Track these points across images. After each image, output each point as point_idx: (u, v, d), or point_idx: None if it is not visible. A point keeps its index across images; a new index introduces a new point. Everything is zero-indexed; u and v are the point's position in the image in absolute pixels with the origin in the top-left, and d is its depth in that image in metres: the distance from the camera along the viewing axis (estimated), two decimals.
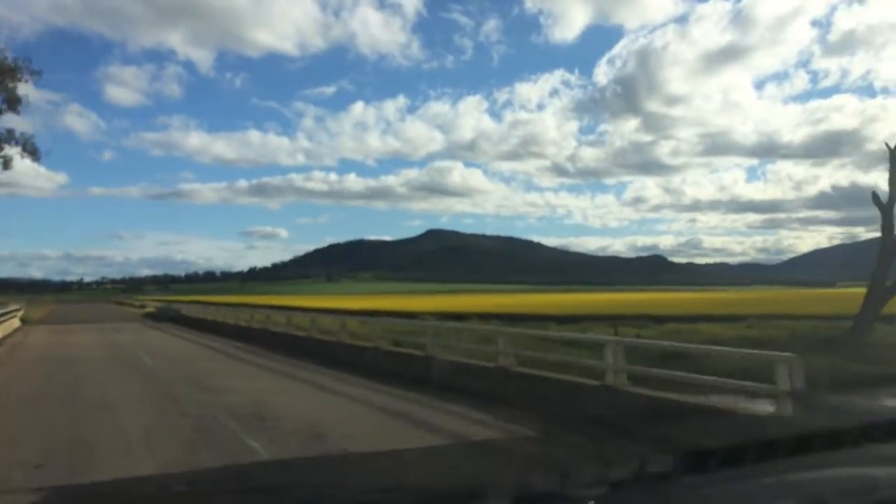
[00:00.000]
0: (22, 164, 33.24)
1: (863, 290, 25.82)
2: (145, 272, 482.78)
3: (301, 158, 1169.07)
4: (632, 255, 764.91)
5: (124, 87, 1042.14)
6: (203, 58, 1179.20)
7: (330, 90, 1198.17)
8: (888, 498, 1.67)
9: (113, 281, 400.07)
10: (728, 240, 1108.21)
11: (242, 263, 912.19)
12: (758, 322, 30.10)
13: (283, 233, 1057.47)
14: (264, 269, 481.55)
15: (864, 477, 1.89)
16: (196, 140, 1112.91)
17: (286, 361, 19.06)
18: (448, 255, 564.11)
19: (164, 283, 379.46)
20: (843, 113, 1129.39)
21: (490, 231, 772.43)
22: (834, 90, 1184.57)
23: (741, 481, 1.94)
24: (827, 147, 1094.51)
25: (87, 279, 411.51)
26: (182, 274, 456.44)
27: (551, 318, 36.53)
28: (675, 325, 29.88)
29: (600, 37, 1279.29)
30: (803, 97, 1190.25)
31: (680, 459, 1.98)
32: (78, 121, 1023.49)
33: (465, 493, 1.99)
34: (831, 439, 2.31)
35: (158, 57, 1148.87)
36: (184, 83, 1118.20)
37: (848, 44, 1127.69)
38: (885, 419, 3.41)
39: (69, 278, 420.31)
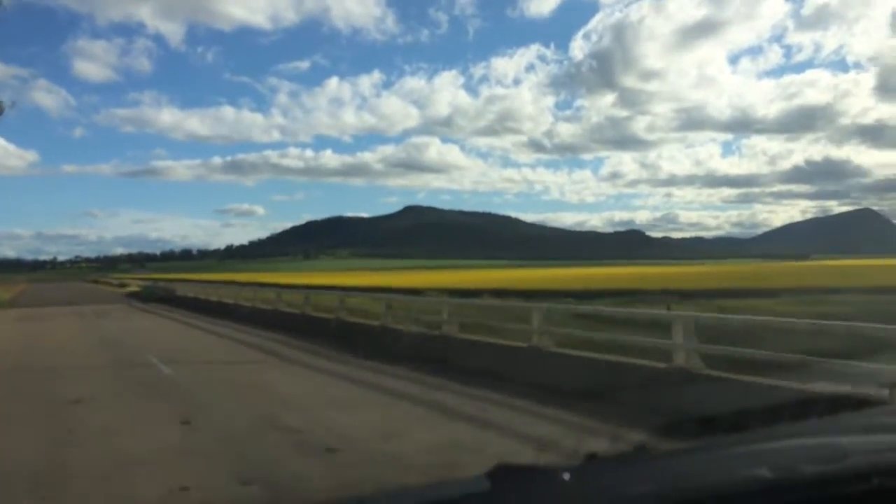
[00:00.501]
0: None
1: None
2: (119, 251, 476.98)
3: (276, 135, 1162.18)
4: (609, 229, 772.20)
5: (93, 61, 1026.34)
6: (173, 31, 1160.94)
7: (304, 65, 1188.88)
8: (857, 465, 1.70)
9: (87, 260, 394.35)
10: (703, 214, 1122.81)
11: (219, 241, 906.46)
12: (797, 297, 29.31)
13: (260, 210, 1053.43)
14: (241, 247, 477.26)
15: (832, 445, 1.90)
16: (168, 116, 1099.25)
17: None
18: (426, 232, 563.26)
19: (140, 261, 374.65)
20: (816, 88, 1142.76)
21: (467, 207, 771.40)
22: (807, 65, 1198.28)
23: (713, 451, 1.97)
24: (800, 122, 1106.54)
25: (60, 258, 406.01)
26: (157, 252, 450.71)
27: (565, 294, 35.69)
28: (722, 301, 27.58)
29: (576, 10, 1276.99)
30: (777, 72, 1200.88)
31: (653, 431, 2.22)
32: (47, 97, 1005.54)
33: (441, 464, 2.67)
34: None
35: (127, 30, 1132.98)
36: (154, 57, 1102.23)
37: (821, 18, 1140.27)
38: None
39: (42, 257, 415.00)
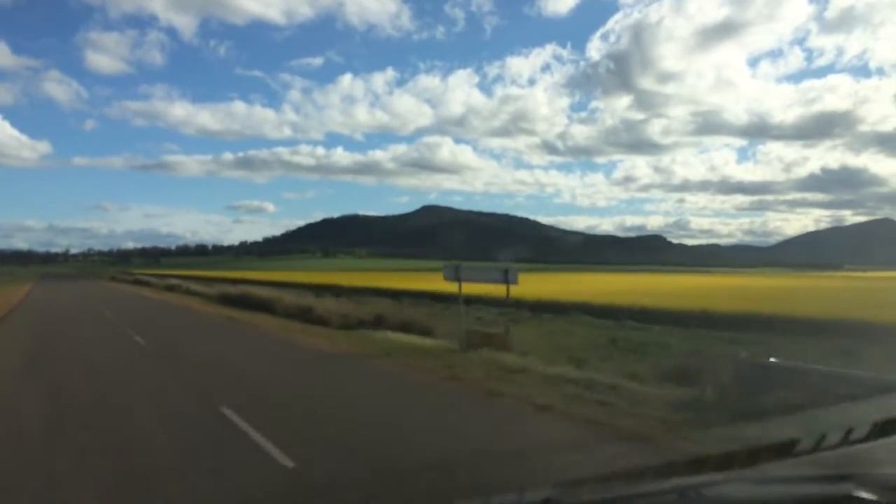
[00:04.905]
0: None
1: None
2: (130, 245, 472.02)
3: (287, 131, 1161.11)
4: (620, 234, 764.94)
5: (105, 53, 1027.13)
6: (186, 24, 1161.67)
7: (317, 61, 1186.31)
8: None
9: (100, 253, 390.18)
10: (715, 221, 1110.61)
11: (230, 237, 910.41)
12: None
13: (270, 207, 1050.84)
14: (256, 244, 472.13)
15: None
16: (180, 110, 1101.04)
17: None
18: (444, 232, 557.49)
19: (154, 255, 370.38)
20: (836, 93, 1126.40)
21: (478, 208, 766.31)
22: (828, 69, 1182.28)
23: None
24: (818, 128, 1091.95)
25: (72, 251, 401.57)
26: (169, 247, 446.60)
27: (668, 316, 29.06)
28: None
29: (594, 10, 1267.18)
30: (797, 76, 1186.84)
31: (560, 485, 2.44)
32: (58, 88, 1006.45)
33: None
34: None
35: (140, 23, 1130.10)
36: (166, 51, 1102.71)
37: (845, 21, 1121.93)
38: None
39: (54, 250, 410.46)
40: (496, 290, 47.16)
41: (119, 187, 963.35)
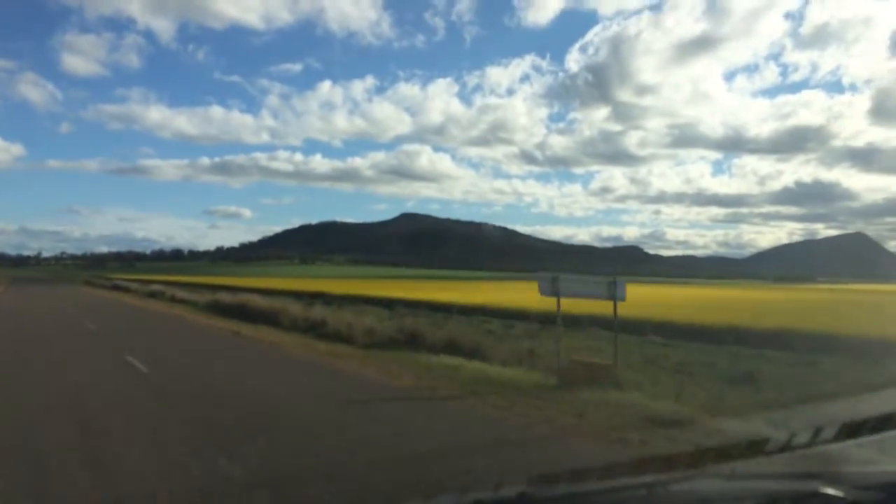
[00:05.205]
0: None
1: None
2: (104, 249, 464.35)
3: (265, 137, 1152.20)
4: (597, 244, 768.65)
5: (81, 56, 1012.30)
6: (164, 28, 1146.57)
7: (296, 67, 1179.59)
8: None
9: (73, 257, 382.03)
10: (690, 232, 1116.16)
11: (206, 243, 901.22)
12: None
13: (247, 213, 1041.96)
14: (232, 249, 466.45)
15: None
16: (156, 114, 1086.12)
17: None
18: (422, 240, 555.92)
19: (129, 260, 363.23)
20: (810, 109, 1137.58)
21: (456, 217, 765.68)
22: (803, 85, 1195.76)
23: (587, 499, 2.02)
24: (792, 142, 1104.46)
25: (45, 254, 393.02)
26: (144, 251, 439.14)
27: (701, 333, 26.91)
28: None
29: (574, 22, 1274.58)
30: (772, 91, 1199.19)
31: (534, 480, 2.43)
32: (34, 90, 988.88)
33: None
34: None
35: (117, 25, 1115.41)
36: (144, 54, 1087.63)
37: (820, 37, 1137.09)
38: None
39: (26, 253, 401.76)
40: (509, 299, 45.24)
41: (93, 191, 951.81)
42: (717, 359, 20.12)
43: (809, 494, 2.01)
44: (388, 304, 44.20)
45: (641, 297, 57.68)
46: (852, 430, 3.27)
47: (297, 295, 54.94)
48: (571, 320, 30.89)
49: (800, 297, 68.10)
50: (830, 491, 1.97)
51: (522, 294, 60.70)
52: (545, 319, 31.38)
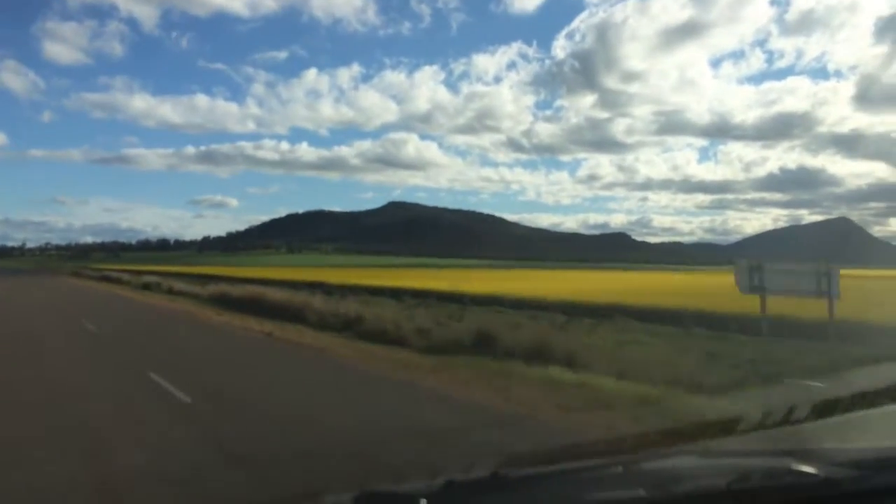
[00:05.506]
0: None
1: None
2: (89, 239, 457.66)
3: (251, 126, 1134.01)
4: (584, 231, 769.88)
5: (64, 43, 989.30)
6: (147, 15, 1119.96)
7: (281, 55, 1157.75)
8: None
9: (58, 247, 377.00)
10: (676, 219, 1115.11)
11: (192, 232, 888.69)
12: None
13: (233, 202, 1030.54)
14: (219, 239, 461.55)
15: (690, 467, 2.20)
16: (140, 103, 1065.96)
17: None
18: (411, 228, 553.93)
19: (114, 250, 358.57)
20: (795, 95, 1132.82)
21: (443, 205, 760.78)
22: (788, 71, 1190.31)
23: (561, 478, 2.06)
24: (778, 129, 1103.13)
25: (29, 245, 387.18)
26: (129, 241, 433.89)
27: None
28: None
29: (560, 9, 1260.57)
30: (758, 78, 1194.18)
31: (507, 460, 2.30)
32: (15, 78, 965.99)
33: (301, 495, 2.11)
34: None
35: (100, 13, 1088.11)
36: (127, 42, 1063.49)
37: (805, 24, 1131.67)
38: None
39: (10, 244, 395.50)
40: (518, 288, 43.47)
41: (77, 181, 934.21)
42: (783, 352, 18.16)
43: (782, 471, 2.04)
44: (393, 293, 42.46)
45: (640, 284, 56.38)
46: (824, 409, 3.40)
47: (294, 285, 53.08)
48: (590, 310, 29.27)
49: None
50: (802, 468, 2.02)
51: (528, 283, 59.33)
52: (567, 310, 29.76)
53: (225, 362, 15.53)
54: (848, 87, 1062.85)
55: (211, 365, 14.92)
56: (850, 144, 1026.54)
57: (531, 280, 66.20)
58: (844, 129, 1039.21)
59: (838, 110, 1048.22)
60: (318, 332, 20.24)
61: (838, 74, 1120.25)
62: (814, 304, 14.99)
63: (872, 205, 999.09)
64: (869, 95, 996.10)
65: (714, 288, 36.06)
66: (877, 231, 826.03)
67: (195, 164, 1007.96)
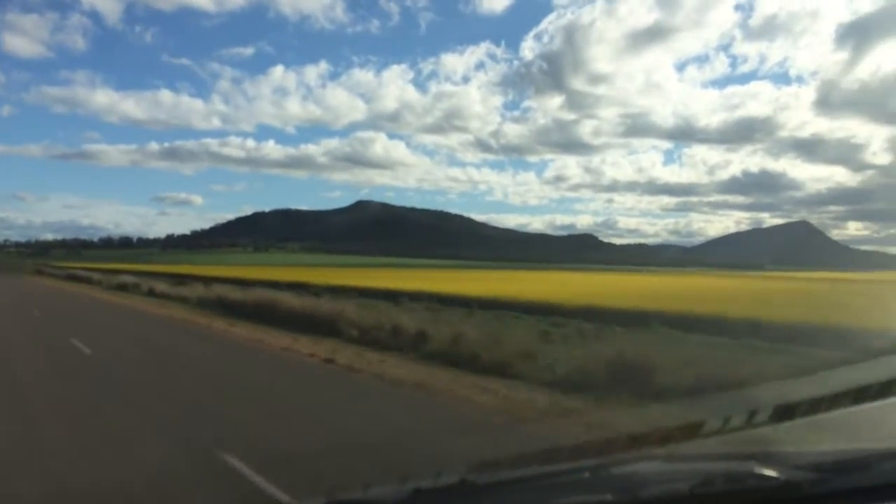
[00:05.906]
0: None
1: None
2: (50, 236, 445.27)
3: (216, 122, 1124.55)
4: (550, 232, 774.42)
5: (24, 36, 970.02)
6: (110, 8, 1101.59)
7: (248, 51, 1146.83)
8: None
9: (17, 244, 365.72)
10: (641, 221, 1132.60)
11: (155, 230, 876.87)
12: None
13: (198, 199, 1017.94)
14: (183, 237, 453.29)
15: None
16: (103, 98, 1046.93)
17: None
18: (379, 228, 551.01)
19: (75, 247, 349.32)
20: (758, 99, 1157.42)
21: (410, 205, 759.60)
22: (751, 76, 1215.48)
23: (528, 483, 2.05)
24: (741, 133, 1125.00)
25: None
26: (91, 239, 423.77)
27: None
28: None
29: (528, 10, 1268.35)
30: (721, 82, 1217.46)
31: (475, 466, 2.33)
32: None
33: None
34: None
35: (61, 5, 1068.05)
36: (89, 35, 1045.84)
37: (768, 29, 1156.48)
38: None
39: None
40: (515, 291, 41.75)
41: (37, 176, 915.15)
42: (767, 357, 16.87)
43: (744, 475, 2.05)
44: (389, 296, 40.41)
45: (622, 287, 55.85)
46: (784, 412, 3.49)
47: (275, 285, 50.91)
48: (619, 317, 26.87)
49: (775, 286, 67.19)
50: (765, 471, 2.03)
51: (523, 285, 57.89)
52: (590, 316, 27.06)
53: (289, 405, 10.63)
54: (809, 93, 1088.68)
55: (272, 419, 9.49)
56: (810, 149, 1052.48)
57: (522, 282, 64.35)
58: (805, 133, 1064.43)
59: (799, 115, 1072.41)
60: (381, 354, 15.67)
61: (800, 80, 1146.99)
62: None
63: (832, 208, 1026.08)
64: (829, 101, 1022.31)
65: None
66: (835, 234, 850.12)
67: (159, 161, 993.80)
